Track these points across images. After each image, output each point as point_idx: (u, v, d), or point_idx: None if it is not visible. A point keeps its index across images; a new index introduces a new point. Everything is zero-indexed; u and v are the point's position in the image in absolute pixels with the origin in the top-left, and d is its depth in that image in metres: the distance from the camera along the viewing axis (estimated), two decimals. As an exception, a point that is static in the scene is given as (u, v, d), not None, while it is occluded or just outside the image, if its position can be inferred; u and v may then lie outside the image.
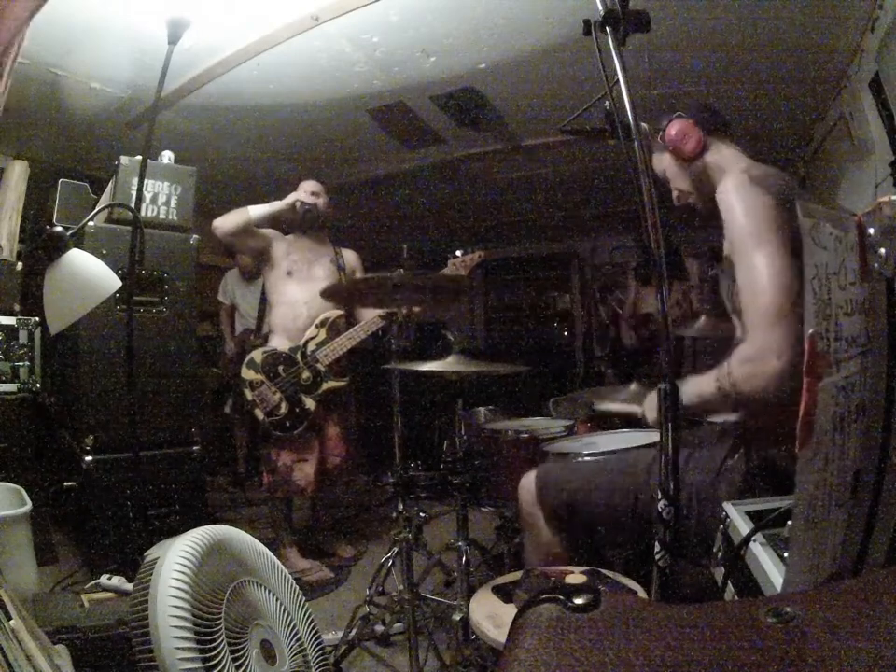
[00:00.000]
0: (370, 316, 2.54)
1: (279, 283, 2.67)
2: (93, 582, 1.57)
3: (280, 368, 2.51)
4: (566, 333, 6.15)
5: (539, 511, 1.48)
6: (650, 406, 1.31)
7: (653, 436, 1.38)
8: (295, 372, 2.51)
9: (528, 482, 1.52)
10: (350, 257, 2.82)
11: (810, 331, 0.59)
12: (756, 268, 1.15)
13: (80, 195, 2.53)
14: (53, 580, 2.08)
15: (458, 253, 2.38)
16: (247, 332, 3.78)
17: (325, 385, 2.54)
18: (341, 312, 2.64)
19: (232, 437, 4.12)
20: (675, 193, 1.50)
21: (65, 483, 2.28)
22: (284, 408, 2.48)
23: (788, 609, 0.42)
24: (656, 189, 0.90)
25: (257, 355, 2.54)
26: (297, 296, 2.63)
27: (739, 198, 1.21)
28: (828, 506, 0.64)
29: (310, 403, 2.51)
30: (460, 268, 2.38)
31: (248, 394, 2.49)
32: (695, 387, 1.19)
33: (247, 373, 2.51)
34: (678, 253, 3.00)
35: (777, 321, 1.10)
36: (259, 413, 2.48)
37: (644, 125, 1.33)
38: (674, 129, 1.41)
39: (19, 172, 3.08)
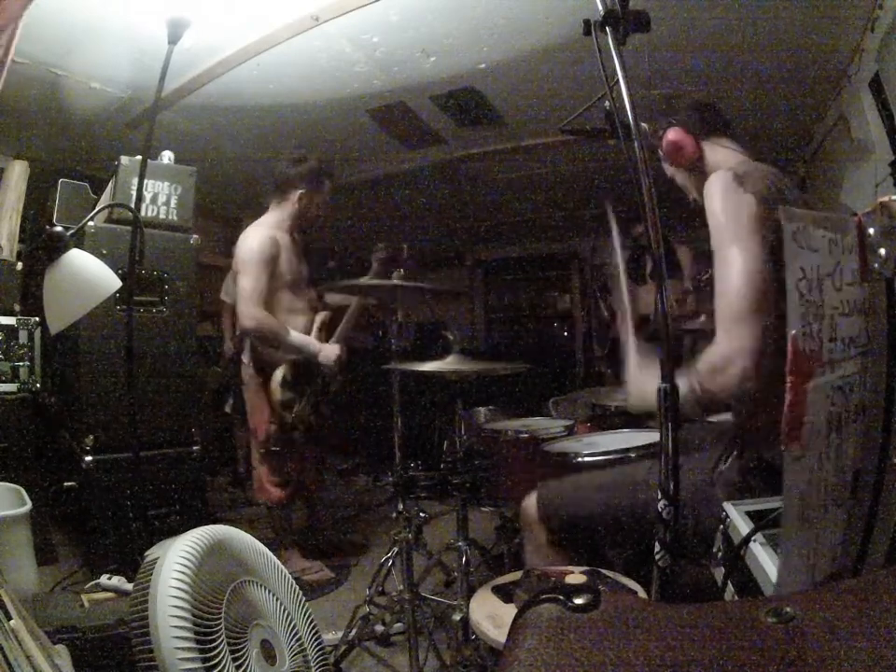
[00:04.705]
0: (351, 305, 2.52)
1: (280, 290, 2.52)
2: (93, 582, 1.57)
3: (303, 380, 2.45)
4: (566, 333, 6.14)
5: (542, 533, 1.46)
6: (632, 387, 1.32)
7: (653, 436, 1.38)
8: (316, 382, 2.48)
9: (530, 503, 1.50)
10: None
11: (793, 332, 0.60)
12: (728, 267, 1.15)
13: (80, 195, 2.53)
14: (53, 580, 2.07)
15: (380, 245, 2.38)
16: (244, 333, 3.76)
17: (333, 387, 2.53)
18: (329, 312, 2.60)
19: (232, 437, 4.11)
20: (690, 197, 1.49)
21: (65, 483, 2.28)
22: (312, 419, 2.46)
23: (788, 609, 0.42)
24: (656, 189, 0.90)
25: (286, 372, 2.40)
26: (296, 303, 2.54)
27: (719, 195, 1.20)
28: (825, 505, 0.64)
29: (325, 409, 2.51)
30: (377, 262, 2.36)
31: (287, 416, 2.39)
32: None
33: (281, 393, 2.37)
34: (673, 253, 2.99)
35: (743, 322, 1.11)
36: (298, 433, 2.42)
37: (644, 125, 1.33)
38: (668, 141, 1.39)
39: (19, 172, 3.08)
